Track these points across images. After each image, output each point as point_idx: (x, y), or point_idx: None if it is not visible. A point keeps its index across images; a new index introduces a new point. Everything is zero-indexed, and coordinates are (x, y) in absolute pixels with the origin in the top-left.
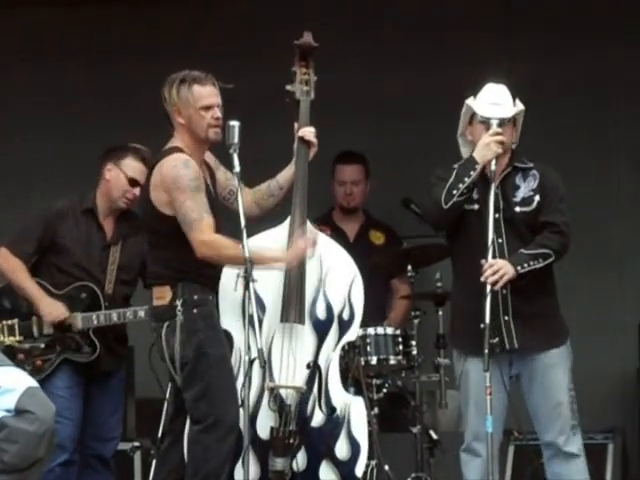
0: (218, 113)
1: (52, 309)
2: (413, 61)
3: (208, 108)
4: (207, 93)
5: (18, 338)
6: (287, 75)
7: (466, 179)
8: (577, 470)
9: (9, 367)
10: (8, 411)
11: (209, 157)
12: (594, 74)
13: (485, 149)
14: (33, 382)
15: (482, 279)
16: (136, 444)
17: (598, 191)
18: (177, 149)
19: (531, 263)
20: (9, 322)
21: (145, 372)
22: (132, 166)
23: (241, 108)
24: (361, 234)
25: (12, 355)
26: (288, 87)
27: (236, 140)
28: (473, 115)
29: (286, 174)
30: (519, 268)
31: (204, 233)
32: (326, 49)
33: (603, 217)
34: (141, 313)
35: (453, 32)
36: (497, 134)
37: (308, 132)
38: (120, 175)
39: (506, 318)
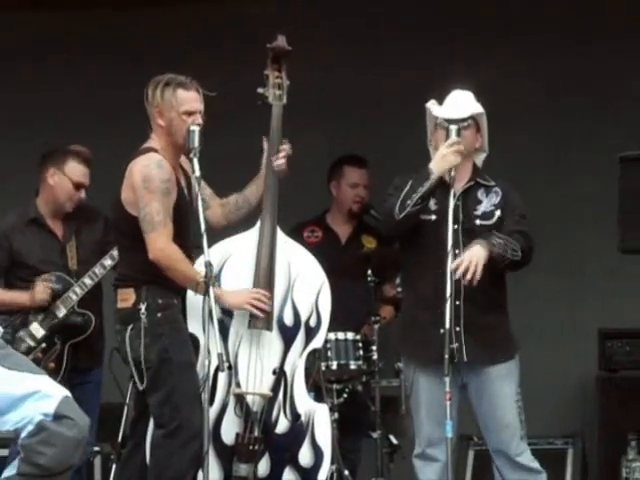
0: (199, 119)
1: (34, 294)
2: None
3: (190, 114)
4: (191, 98)
5: None
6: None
7: (420, 189)
8: None
9: (45, 376)
10: (46, 415)
11: (186, 163)
12: (555, 85)
13: (442, 160)
14: (68, 392)
15: (457, 276)
16: (96, 449)
17: (559, 198)
18: (152, 149)
19: (502, 243)
20: None
21: (105, 376)
22: (76, 170)
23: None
24: (353, 238)
25: None
26: (260, 90)
27: (196, 144)
28: (437, 122)
29: (256, 190)
30: (494, 245)
31: (165, 239)
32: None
33: (564, 224)
34: (108, 262)
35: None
36: (454, 144)
37: (280, 163)
38: (64, 180)
39: (457, 329)
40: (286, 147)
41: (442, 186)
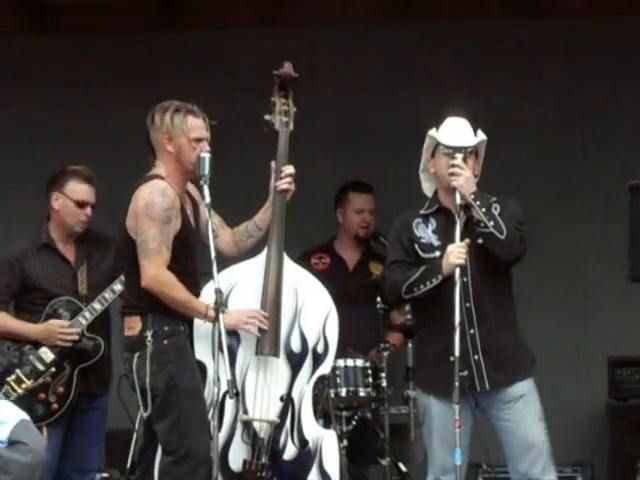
0: (207, 147)
1: (47, 332)
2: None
3: (199, 140)
4: (200, 125)
5: (28, 383)
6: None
7: (428, 284)
8: None
9: (2, 401)
10: (1, 442)
11: (193, 190)
12: (562, 108)
13: (446, 258)
14: (25, 415)
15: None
16: (105, 475)
17: (565, 224)
18: (157, 176)
19: (485, 202)
20: (12, 377)
21: (114, 403)
22: (76, 189)
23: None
24: (361, 264)
25: (34, 399)
26: (267, 117)
27: (207, 171)
28: (435, 148)
29: (264, 217)
30: (483, 197)
31: (158, 266)
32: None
33: (570, 251)
34: (118, 286)
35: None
36: (459, 247)
37: (285, 182)
38: (67, 202)
39: (476, 357)
40: (289, 168)
41: (445, 215)
